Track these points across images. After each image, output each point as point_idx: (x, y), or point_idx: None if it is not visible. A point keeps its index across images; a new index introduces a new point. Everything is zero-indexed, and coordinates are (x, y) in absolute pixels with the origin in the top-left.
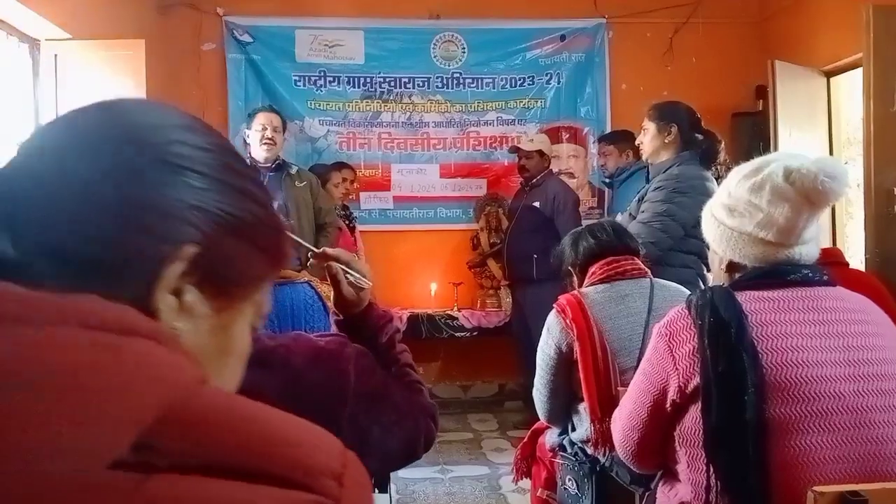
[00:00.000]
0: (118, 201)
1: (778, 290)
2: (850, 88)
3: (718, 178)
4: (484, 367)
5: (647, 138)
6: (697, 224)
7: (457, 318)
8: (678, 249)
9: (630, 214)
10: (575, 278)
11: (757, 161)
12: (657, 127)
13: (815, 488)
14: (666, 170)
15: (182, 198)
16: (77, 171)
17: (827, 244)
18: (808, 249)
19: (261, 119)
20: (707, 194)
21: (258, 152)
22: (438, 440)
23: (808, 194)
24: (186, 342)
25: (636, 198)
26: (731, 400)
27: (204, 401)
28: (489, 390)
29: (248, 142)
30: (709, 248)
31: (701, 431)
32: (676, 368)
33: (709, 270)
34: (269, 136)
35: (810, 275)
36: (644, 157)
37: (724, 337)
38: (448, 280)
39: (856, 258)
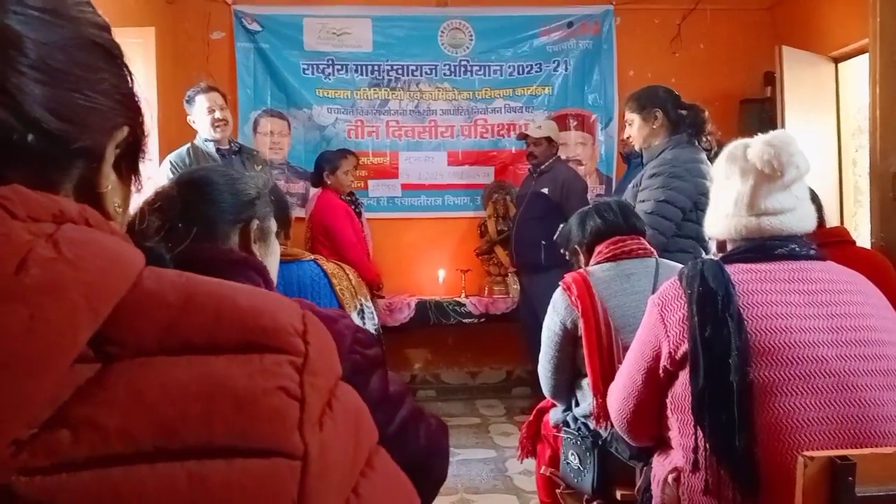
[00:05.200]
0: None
1: (765, 263)
2: (859, 74)
3: (710, 150)
4: (492, 354)
5: (635, 130)
6: (694, 208)
7: (464, 305)
8: (676, 234)
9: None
10: (581, 257)
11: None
12: (642, 117)
13: (805, 453)
14: (659, 154)
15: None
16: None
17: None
18: (782, 221)
19: (204, 102)
20: (702, 176)
21: (211, 134)
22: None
23: (741, 166)
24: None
25: (631, 185)
26: (717, 364)
27: (158, 282)
28: (497, 376)
29: (193, 126)
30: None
31: (690, 396)
32: (667, 335)
33: (707, 254)
34: (220, 117)
35: (797, 249)
36: (637, 148)
37: (711, 305)
38: (456, 267)
39: (864, 245)
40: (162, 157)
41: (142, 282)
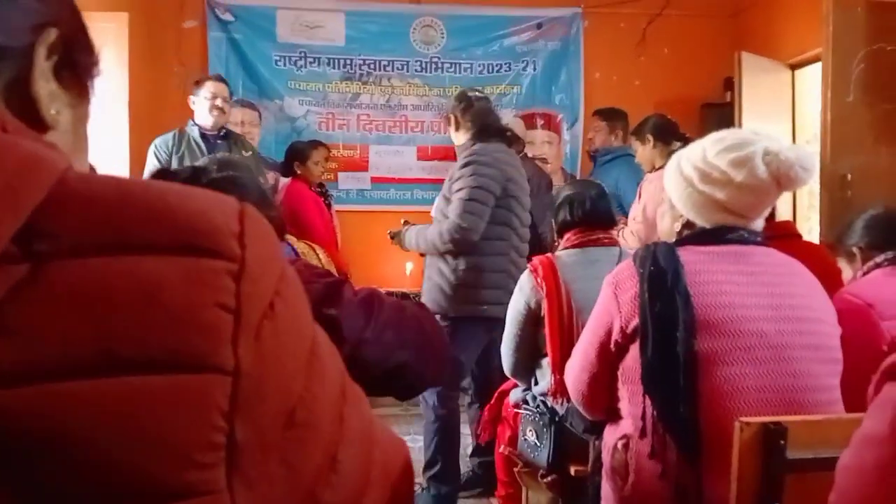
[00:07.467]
0: None
1: (714, 246)
2: (814, 82)
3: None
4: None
5: (453, 131)
6: (504, 195)
7: None
8: (489, 222)
9: (444, 196)
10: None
11: (739, 136)
12: (454, 119)
13: (742, 419)
14: (467, 148)
15: None
16: None
17: None
18: (759, 224)
19: (211, 87)
20: (501, 163)
21: (206, 118)
22: (409, 413)
23: (779, 179)
24: (54, 137)
25: (448, 179)
26: (665, 337)
27: (87, 182)
28: None
29: (193, 107)
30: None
31: (639, 368)
32: (620, 311)
33: (523, 241)
34: (219, 105)
35: (745, 235)
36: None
37: (660, 283)
38: (423, 260)
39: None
40: (133, 140)
41: (68, 181)
